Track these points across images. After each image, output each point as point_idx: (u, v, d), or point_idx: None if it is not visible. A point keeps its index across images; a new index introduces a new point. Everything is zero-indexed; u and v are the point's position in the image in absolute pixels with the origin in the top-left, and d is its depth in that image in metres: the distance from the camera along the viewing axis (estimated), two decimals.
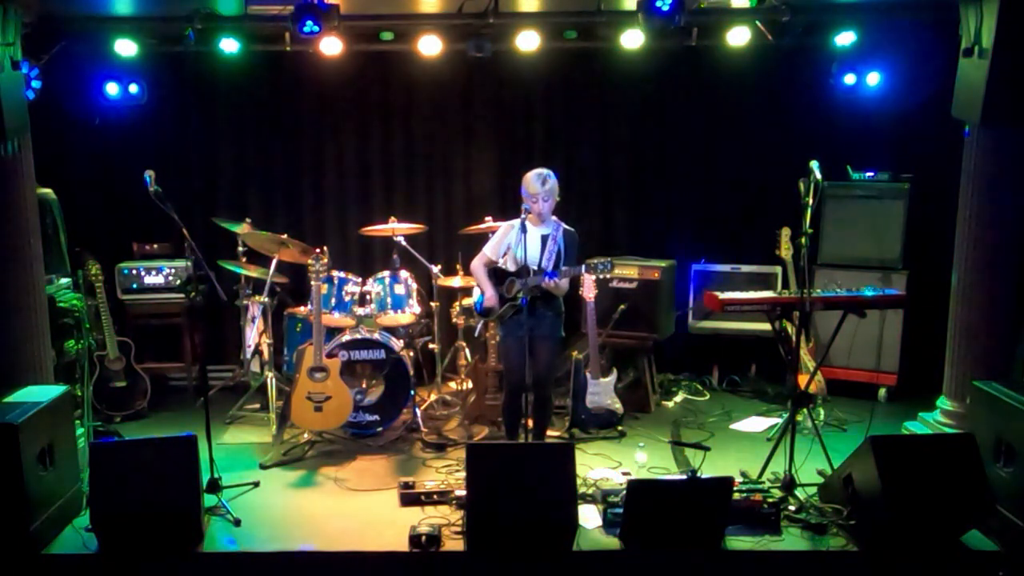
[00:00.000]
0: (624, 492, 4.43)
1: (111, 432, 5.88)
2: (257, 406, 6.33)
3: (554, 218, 5.15)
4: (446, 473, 5.29)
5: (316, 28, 5.33)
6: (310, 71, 6.64)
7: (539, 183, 5.00)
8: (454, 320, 6.50)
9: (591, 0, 5.81)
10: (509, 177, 6.49)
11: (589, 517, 4.62)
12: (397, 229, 6.25)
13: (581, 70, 6.87)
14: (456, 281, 6.39)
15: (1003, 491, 4.36)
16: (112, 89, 6.34)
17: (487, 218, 6.26)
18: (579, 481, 4.54)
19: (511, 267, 5.16)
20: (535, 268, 5.03)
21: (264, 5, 5.75)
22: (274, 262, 6.09)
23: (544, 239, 5.11)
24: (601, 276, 5.18)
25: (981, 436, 4.42)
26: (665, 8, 5.15)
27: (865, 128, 6.62)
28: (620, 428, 5.97)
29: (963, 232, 5.38)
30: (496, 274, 5.22)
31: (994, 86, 4.85)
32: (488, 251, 5.27)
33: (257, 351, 6.42)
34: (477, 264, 5.29)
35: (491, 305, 5.19)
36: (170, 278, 6.72)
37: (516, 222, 5.10)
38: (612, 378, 5.98)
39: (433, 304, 6.43)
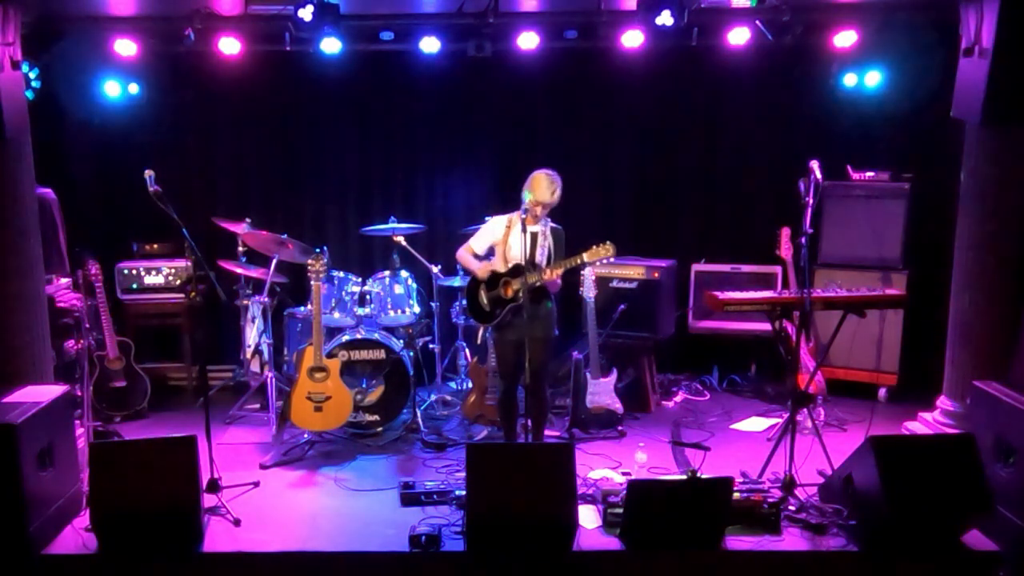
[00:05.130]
0: (624, 492, 4.43)
1: (111, 432, 5.87)
2: (257, 406, 6.33)
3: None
4: (446, 473, 5.29)
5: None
6: (310, 71, 6.63)
7: (549, 193, 5.00)
8: (454, 320, 6.50)
9: (591, 0, 5.82)
10: (509, 177, 6.46)
11: (589, 517, 4.62)
12: (397, 229, 6.25)
13: (581, 70, 6.86)
14: (456, 281, 6.39)
15: (1003, 491, 4.35)
16: (112, 89, 6.33)
17: (487, 218, 6.23)
18: (579, 481, 4.54)
19: (500, 267, 5.18)
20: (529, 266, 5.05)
21: (264, 5, 5.76)
22: (274, 262, 6.09)
23: (535, 236, 5.13)
24: (602, 261, 5.16)
25: (981, 436, 4.42)
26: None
27: (865, 128, 6.63)
28: (620, 428, 5.97)
29: (962, 232, 5.38)
30: (490, 280, 5.24)
31: (994, 86, 4.85)
32: (473, 244, 5.35)
33: (257, 351, 6.42)
34: (462, 252, 5.38)
35: (483, 278, 5.23)
36: (170, 278, 6.71)
37: (505, 218, 5.18)
38: (612, 378, 5.97)
39: (433, 304, 6.43)
